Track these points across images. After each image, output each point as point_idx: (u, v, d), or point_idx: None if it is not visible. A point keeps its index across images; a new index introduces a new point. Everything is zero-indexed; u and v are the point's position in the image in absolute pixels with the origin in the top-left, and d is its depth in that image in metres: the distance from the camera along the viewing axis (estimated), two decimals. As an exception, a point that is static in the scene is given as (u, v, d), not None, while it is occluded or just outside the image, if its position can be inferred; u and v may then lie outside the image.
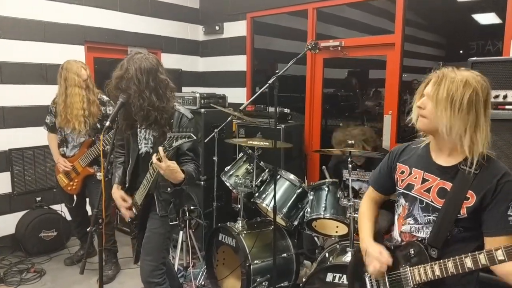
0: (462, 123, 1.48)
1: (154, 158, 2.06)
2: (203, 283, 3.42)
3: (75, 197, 3.73)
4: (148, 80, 2.17)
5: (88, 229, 3.87)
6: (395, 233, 1.79)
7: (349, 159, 2.62)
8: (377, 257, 1.69)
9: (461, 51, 4.01)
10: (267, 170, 3.24)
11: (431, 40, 4.44)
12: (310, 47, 2.90)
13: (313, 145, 4.65)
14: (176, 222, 2.41)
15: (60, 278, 3.66)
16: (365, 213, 1.91)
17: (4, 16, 3.94)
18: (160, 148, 2.01)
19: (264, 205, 3.04)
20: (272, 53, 5.48)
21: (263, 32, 5.33)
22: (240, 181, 3.17)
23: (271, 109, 4.33)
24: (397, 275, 1.66)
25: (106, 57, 4.93)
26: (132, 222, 2.53)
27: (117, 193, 2.47)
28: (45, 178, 4.37)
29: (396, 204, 1.80)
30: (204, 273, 3.44)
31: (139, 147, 2.39)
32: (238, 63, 5.33)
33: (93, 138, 3.51)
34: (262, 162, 3.29)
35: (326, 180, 2.88)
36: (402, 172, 1.74)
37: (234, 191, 3.31)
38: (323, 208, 2.76)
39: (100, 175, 3.52)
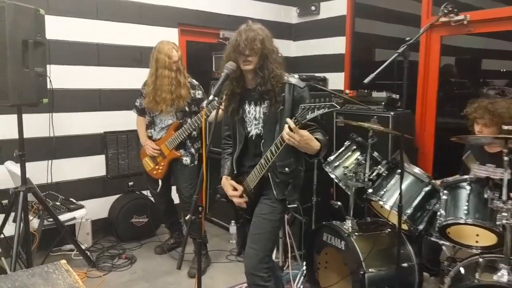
0: None
1: (285, 130, 1.87)
2: (301, 287, 3.04)
3: (160, 182, 3.56)
4: (272, 46, 2.15)
5: (180, 218, 3.81)
6: None
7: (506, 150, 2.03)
8: None
9: None
10: (384, 162, 2.75)
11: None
12: (446, 12, 2.35)
13: (426, 137, 4.04)
14: (296, 205, 2.20)
15: (151, 266, 3.52)
16: None
17: (102, -3, 3.88)
18: (289, 120, 1.86)
19: (381, 203, 2.57)
20: (369, 37, 4.92)
21: (359, 14, 4.79)
22: (350, 174, 2.72)
23: (376, 94, 3.83)
24: None
25: (198, 40, 4.77)
26: (240, 209, 2.33)
27: (227, 183, 2.31)
28: (138, 162, 4.26)
29: None
30: (303, 276, 3.05)
31: (248, 129, 2.24)
32: (336, 45, 4.85)
33: (180, 121, 3.34)
34: (375, 153, 2.82)
35: (467, 176, 2.32)
36: None
37: (340, 184, 2.87)
38: (465, 212, 2.20)
39: (186, 160, 3.37)
